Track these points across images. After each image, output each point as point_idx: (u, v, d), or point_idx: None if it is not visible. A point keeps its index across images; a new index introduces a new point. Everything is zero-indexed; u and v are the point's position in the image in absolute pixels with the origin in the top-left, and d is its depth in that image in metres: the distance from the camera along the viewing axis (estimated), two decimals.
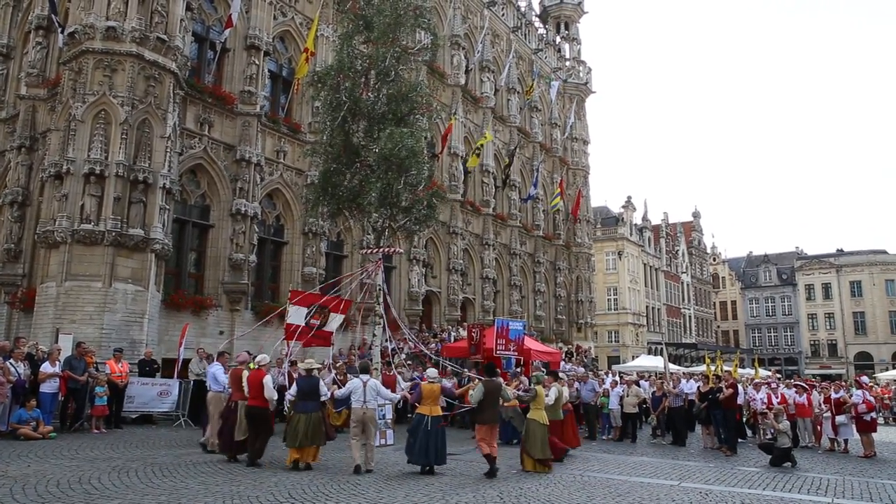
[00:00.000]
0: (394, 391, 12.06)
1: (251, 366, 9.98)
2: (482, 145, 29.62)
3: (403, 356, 20.22)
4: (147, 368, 14.66)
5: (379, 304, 14.40)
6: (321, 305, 13.73)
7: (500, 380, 11.05)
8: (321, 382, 10.31)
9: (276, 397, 10.09)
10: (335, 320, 13.77)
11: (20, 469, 8.69)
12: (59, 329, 14.31)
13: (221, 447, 10.27)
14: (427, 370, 11.21)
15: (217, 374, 11.21)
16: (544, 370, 14.05)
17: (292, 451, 9.65)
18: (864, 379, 16.08)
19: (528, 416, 10.71)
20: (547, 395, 11.27)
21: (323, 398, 10.22)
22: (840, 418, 14.93)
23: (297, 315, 13.57)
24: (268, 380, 9.79)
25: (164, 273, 16.78)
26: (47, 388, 12.07)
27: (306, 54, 20.76)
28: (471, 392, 10.51)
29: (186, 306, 17.86)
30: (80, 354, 12.83)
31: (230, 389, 10.39)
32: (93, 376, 12.81)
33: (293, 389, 10.01)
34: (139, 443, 11.66)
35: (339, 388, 10.94)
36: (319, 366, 10.88)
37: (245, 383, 9.80)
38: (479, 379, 11.08)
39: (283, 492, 8.02)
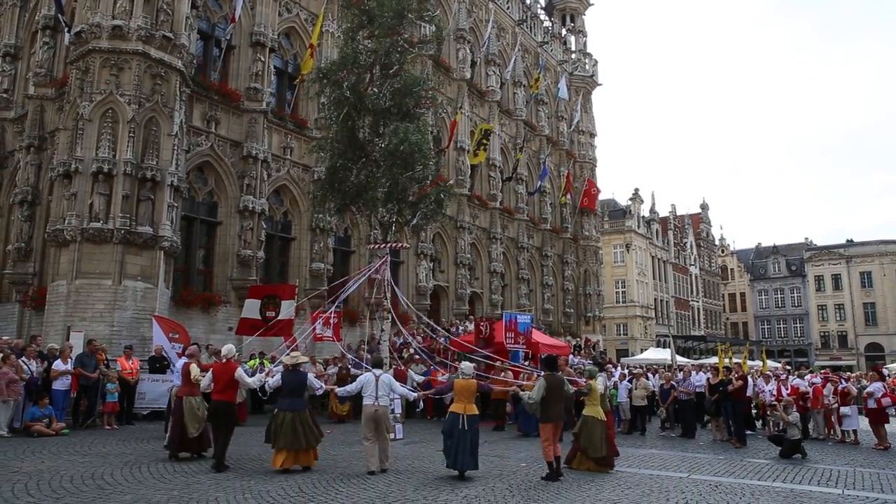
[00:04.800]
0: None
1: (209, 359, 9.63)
2: (483, 131, 28.33)
3: (412, 350, 20.22)
4: (157, 365, 14.75)
5: (387, 298, 14.43)
6: (270, 295, 13.86)
7: (562, 374, 10.26)
8: (310, 376, 9.82)
9: (256, 387, 9.66)
10: (287, 307, 13.79)
11: (34, 465, 8.80)
12: (71, 327, 14.40)
13: (169, 443, 9.76)
14: (461, 364, 9.91)
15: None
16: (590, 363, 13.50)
17: (282, 453, 8.85)
18: (885, 371, 15.84)
19: (584, 412, 10.11)
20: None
21: (318, 391, 9.91)
22: (844, 409, 14.85)
23: (251, 309, 13.71)
24: (240, 372, 9.35)
25: (173, 270, 16.87)
26: (59, 385, 12.24)
27: (311, 50, 20.77)
28: (527, 393, 9.70)
29: (196, 303, 17.98)
30: (91, 352, 12.96)
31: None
32: (104, 373, 12.94)
33: (273, 382, 9.29)
34: (150, 438, 11.74)
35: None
36: (306, 359, 10.56)
37: (210, 376, 9.17)
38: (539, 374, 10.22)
39: (293, 486, 8.08)
